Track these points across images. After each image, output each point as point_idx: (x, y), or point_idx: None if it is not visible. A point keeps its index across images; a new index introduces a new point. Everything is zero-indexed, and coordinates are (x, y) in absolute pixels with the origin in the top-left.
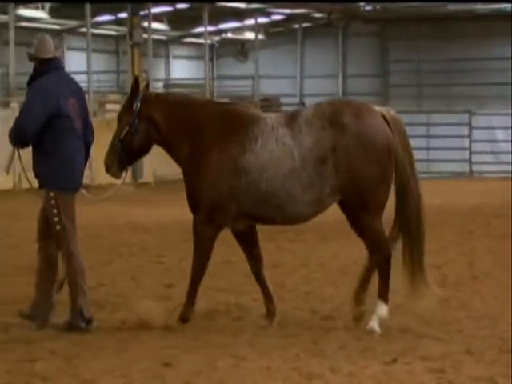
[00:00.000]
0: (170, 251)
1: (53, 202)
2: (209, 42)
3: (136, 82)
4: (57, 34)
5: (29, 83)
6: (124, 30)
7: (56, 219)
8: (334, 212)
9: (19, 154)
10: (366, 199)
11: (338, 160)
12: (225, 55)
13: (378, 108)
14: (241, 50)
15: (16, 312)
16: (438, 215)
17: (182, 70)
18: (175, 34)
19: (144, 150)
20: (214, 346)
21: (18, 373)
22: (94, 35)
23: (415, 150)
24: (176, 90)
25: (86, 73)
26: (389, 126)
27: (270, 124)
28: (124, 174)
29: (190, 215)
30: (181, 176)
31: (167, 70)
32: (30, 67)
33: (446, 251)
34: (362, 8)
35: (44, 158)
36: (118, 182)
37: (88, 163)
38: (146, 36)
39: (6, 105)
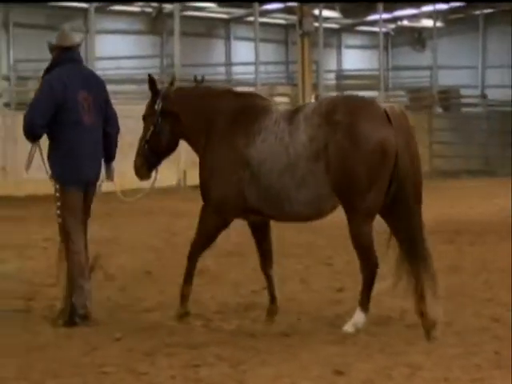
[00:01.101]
0: (339, 252)
1: (57, 194)
2: (383, 30)
3: (150, 80)
4: (224, 22)
5: (44, 75)
6: (293, 18)
7: (58, 212)
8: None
9: (41, 150)
10: (355, 201)
11: (328, 158)
12: (400, 44)
13: (382, 105)
14: (418, 38)
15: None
16: None
17: (354, 60)
18: (347, 22)
19: (171, 148)
20: (388, 354)
21: (182, 379)
22: (262, 24)
23: None
24: (348, 81)
25: (254, 63)
26: (391, 124)
27: (273, 118)
28: (154, 174)
29: None
30: None
31: (339, 61)
32: (195, 58)
33: None
34: None
35: (52, 150)
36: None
37: None
38: (316, 24)
39: None
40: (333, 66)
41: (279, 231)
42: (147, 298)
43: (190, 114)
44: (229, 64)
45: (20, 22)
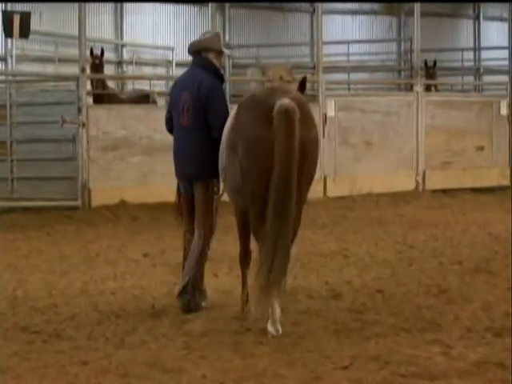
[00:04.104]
0: None
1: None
2: None
3: (302, 82)
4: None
5: None
6: None
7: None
8: None
9: None
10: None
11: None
12: None
13: (278, 101)
14: None
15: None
16: None
17: None
18: None
19: None
20: None
21: None
22: None
23: None
24: None
25: (507, 48)
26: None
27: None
28: None
29: None
30: None
31: None
32: (438, 41)
33: None
34: None
35: None
36: None
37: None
38: None
39: (410, 88)
40: None
41: None
42: (379, 321)
43: None
44: (477, 48)
45: (236, 4)
